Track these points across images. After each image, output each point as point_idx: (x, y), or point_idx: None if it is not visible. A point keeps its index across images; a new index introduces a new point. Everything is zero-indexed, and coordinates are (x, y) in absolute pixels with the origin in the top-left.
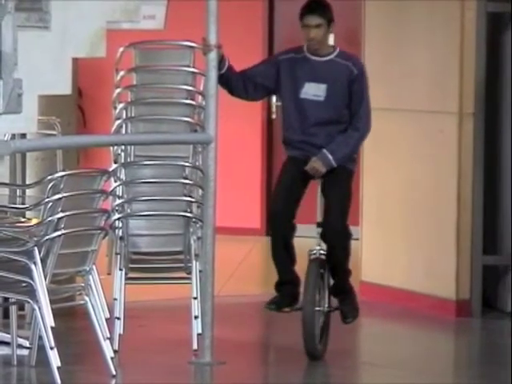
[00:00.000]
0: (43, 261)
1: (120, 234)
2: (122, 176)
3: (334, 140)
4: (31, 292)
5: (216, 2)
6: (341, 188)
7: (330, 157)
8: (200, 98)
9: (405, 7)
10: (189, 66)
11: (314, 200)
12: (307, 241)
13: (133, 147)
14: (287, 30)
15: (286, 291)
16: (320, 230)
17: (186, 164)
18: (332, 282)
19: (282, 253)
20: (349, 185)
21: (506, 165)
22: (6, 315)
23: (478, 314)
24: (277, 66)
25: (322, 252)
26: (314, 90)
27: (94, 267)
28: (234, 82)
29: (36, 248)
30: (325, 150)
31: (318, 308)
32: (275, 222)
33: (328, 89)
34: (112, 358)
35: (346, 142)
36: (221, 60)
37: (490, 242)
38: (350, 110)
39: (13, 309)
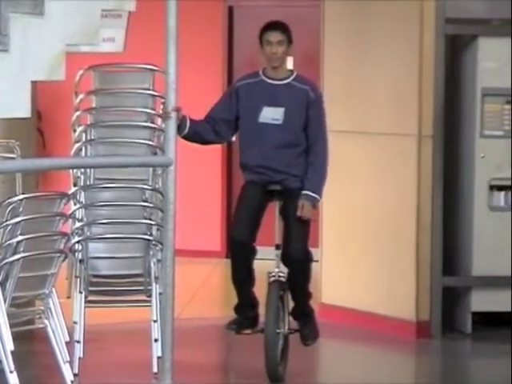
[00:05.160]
0: (2, 284)
1: (80, 256)
2: (82, 199)
3: (306, 177)
4: None
5: (175, 23)
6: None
7: (313, 194)
8: (160, 120)
9: (364, 30)
10: (148, 89)
11: (271, 222)
12: (265, 263)
13: (92, 170)
14: (246, 53)
15: (246, 314)
16: (279, 252)
17: (146, 187)
18: (292, 304)
19: (242, 276)
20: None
21: (464, 186)
22: None
23: (438, 335)
24: (236, 94)
25: (281, 274)
26: (272, 114)
27: (53, 290)
28: (202, 131)
29: None
30: (305, 192)
31: (278, 330)
32: (236, 247)
33: (286, 112)
34: (72, 382)
35: (316, 173)
36: (181, 123)
37: (450, 264)
38: (306, 133)
39: None
